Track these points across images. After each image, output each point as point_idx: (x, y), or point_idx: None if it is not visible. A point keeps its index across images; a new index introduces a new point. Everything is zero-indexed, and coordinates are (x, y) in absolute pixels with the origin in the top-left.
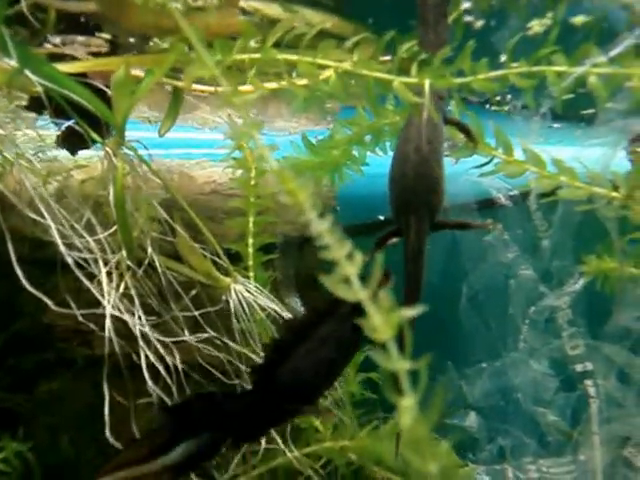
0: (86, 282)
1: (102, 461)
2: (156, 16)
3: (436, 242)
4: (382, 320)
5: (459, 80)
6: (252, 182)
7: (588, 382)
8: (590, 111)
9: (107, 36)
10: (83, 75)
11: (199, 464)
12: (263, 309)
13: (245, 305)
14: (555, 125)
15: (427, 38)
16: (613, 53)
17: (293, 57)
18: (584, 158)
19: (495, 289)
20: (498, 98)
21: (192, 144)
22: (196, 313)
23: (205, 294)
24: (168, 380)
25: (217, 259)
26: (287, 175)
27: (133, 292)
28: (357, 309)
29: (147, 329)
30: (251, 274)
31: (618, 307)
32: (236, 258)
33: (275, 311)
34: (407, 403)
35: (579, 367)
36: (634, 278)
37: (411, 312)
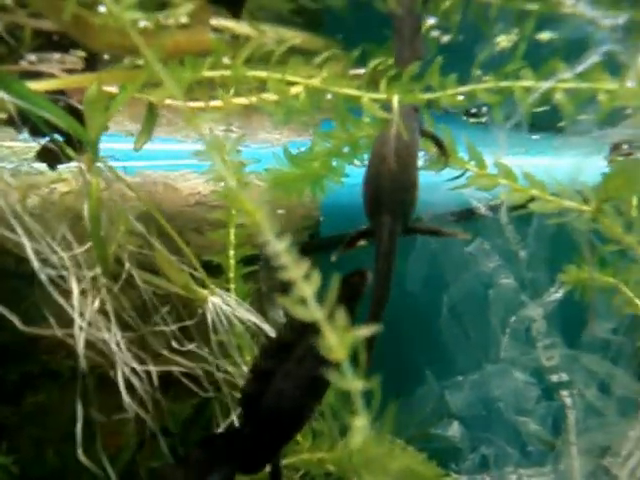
0: (58, 298)
1: (87, 474)
2: (121, 35)
3: (417, 253)
4: (337, 340)
5: (427, 95)
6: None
7: (564, 392)
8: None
9: (82, 53)
10: (61, 92)
11: None
12: (242, 322)
13: (223, 318)
14: (534, 137)
15: (403, 54)
16: (580, 69)
17: (262, 74)
18: (561, 169)
19: (476, 299)
20: (474, 110)
21: (176, 155)
22: (173, 327)
23: (187, 308)
24: (149, 392)
25: (196, 272)
26: (244, 196)
27: (110, 307)
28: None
29: (122, 343)
30: (232, 286)
31: (592, 318)
32: (219, 270)
33: (254, 323)
34: (360, 423)
35: (555, 378)
36: (611, 288)
37: (369, 330)
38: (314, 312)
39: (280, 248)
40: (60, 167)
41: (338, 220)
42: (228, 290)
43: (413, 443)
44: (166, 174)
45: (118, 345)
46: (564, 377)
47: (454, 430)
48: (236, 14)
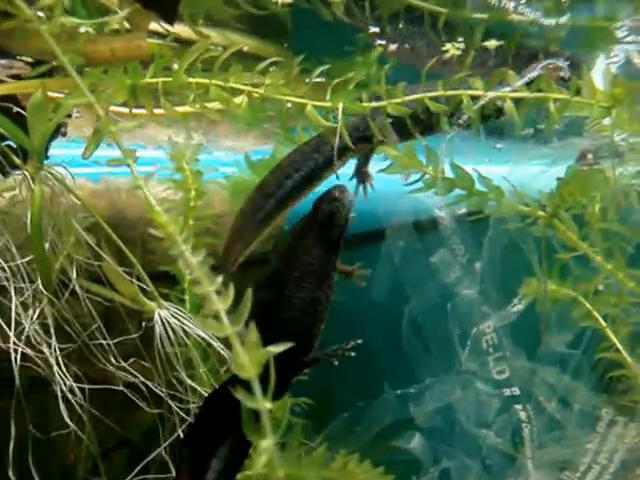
0: None
1: None
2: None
3: (381, 263)
4: (248, 358)
5: (374, 104)
6: (191, 203)
7: (518, 406)
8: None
9: (29, 59)
10: (13, 98)
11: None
12: (188, 334)
13: (170, 330)
14: (499, 145)
15: None
16: (530, 76)
17: (205, 81)
18: (524, 178)
19: (439, 310)
20: None
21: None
22: (113, 341)
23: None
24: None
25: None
26: (157, 210)
27: (50, 320)
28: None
29: (60, 358)
30: (187, 297)
31: (544, 330)
32: (176, 281)
33: (200, 336)
34: (266, 444)
35: (512, 390)
36: (570, 300)
37: (277, 349)
38: (226, 328)
39: (193, 262)
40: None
41: None
42: (183, 301)
43: (373, 456)
44: (130, 181)
45: (57, 359)
46: (516, 391)
47: (415, 443)
48: (168, 20)
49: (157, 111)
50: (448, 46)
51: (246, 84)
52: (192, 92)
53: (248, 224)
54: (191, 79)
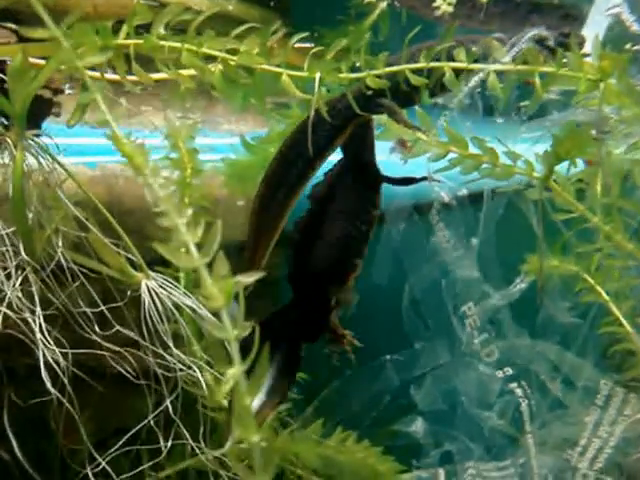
0: None
1: (44, 472)
2: None
3: (382, 245)
4: (216, 288)
5: (352, 75)
6: (187, 181)
7: (513, 384)
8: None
9: (13, 26)
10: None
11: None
12: (177, 306)
13: (158, 302)
14: (499, 120)
15: None
16: (515, 50)
17: (177, 45)
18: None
19: (439, 290)
20: None
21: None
22: (106, 307)
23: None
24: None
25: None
26: (124, 142)
27: (35, 290)
28: None
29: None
30: (181, 274)
31: (545, 299)
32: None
33: (191, 308)
34: (233, 372)
35: (500, 373)
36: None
37: (247, 279)
38: (195, 260)
39: (162, 194)
40: None
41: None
42: (177, 279)
43: (374, 439)
44: (127, 167)
45: (41, 329)
46: (509, 371)
47: (417, 426)
48: None
49: (130, 77)
50: (439, 1)
51: (221, 50)
52: (165, 56)
53: (264, 220)
54: (163, 42)
